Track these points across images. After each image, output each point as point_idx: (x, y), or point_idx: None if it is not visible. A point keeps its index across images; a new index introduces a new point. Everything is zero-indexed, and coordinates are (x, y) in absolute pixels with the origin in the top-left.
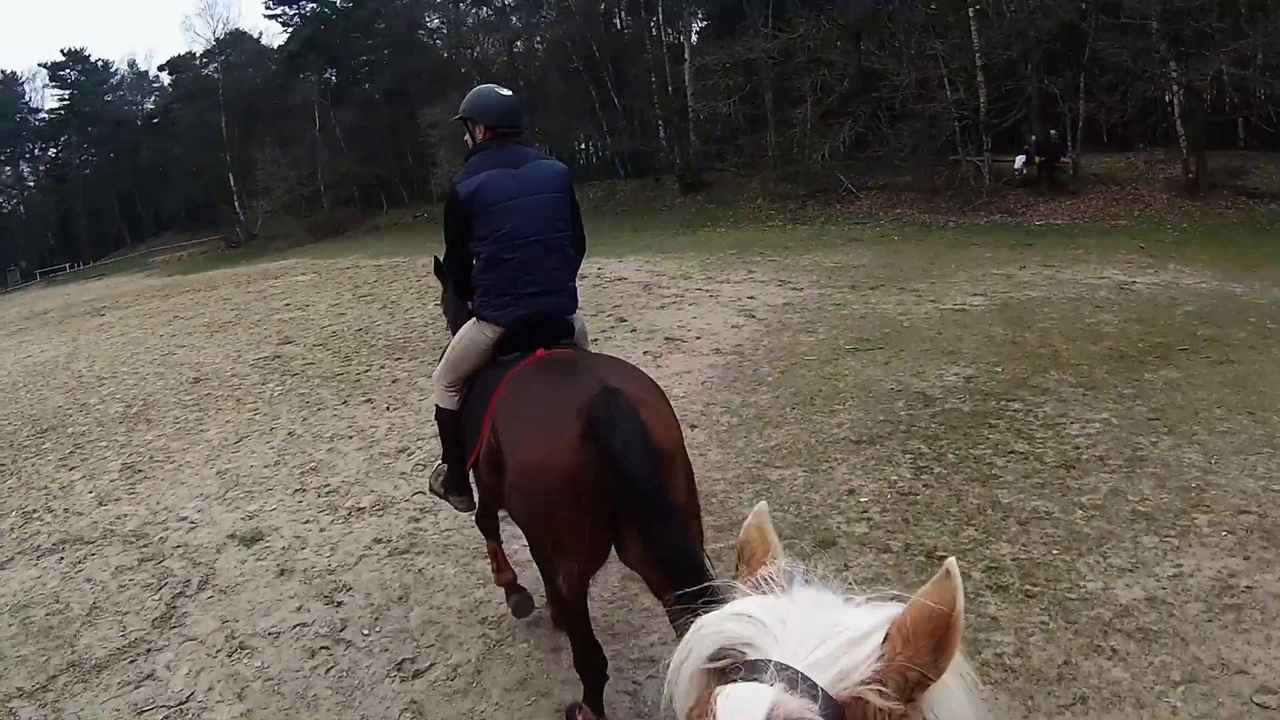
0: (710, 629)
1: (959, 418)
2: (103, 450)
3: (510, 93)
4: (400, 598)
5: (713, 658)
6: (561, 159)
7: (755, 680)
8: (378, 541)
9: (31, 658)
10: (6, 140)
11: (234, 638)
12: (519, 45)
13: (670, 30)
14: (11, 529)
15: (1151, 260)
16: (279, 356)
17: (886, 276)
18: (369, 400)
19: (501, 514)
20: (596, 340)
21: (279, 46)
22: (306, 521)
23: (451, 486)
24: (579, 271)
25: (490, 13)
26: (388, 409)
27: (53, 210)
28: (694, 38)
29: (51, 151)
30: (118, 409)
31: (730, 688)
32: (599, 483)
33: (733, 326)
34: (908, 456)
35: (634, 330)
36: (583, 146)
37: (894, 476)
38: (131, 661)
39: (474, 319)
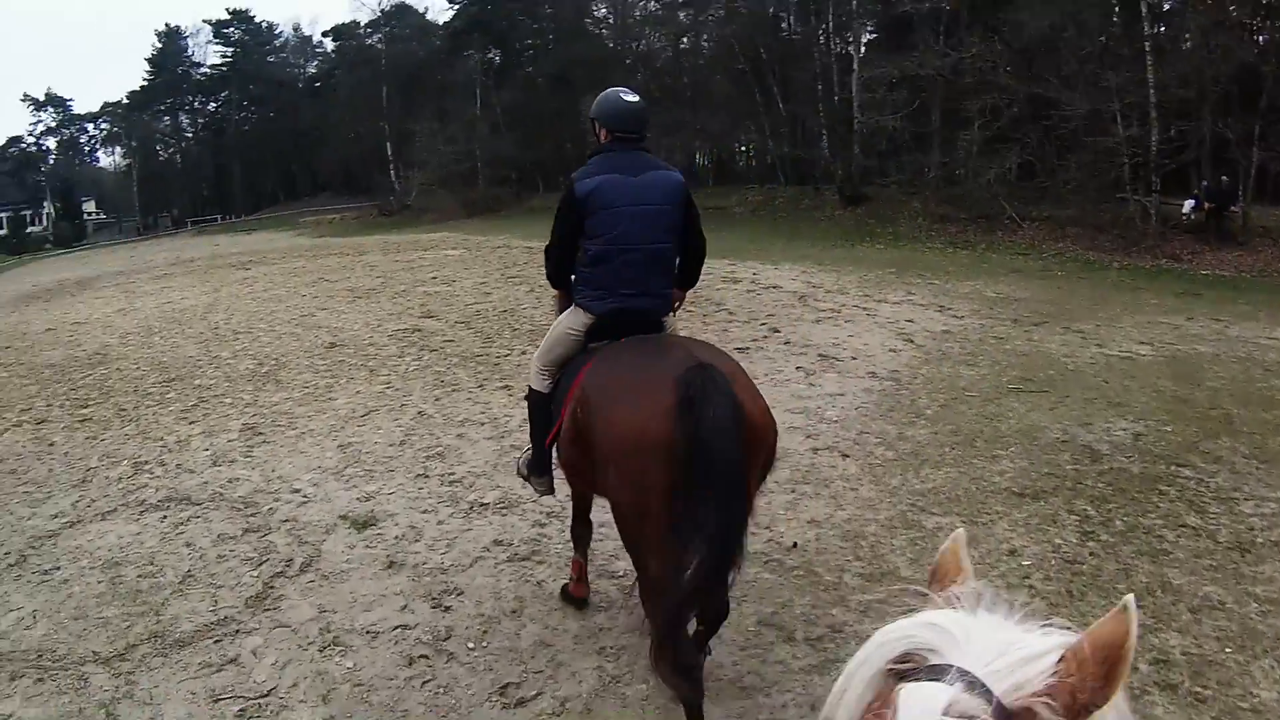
0: (899, 634)
1: (1128, 479)
2: (226, 407)
3: (637, 99)
4: (514, 611)
5: (897, 660)
6: (721, 160)
7: (936, 680)
8: (497, 544)
9: (114, 621)
10: (168, 91)
11: (329, 631)
12: (685, 41)
13: (839, 40)
14: (120, 479)
15: None
16: (419, 330)
17: (1050, 313)
18: (506, 387)
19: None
20: (748, 349)
21: (443, 23)
22: (425, 511)
23: (534, 468)
24: (703, 271)
25: (658, 6)
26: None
27: (208, 163)
28: (862, 49)
29: (211, 106)
30: (248, 365)
31: (912, 685)
32: (690, 452)
33: (890, 350)
34: (1073, 518)
35: (787, 343)
36: (743, 149)
37: (1058, 540)
38: (217, 641)
39: (573, 306)
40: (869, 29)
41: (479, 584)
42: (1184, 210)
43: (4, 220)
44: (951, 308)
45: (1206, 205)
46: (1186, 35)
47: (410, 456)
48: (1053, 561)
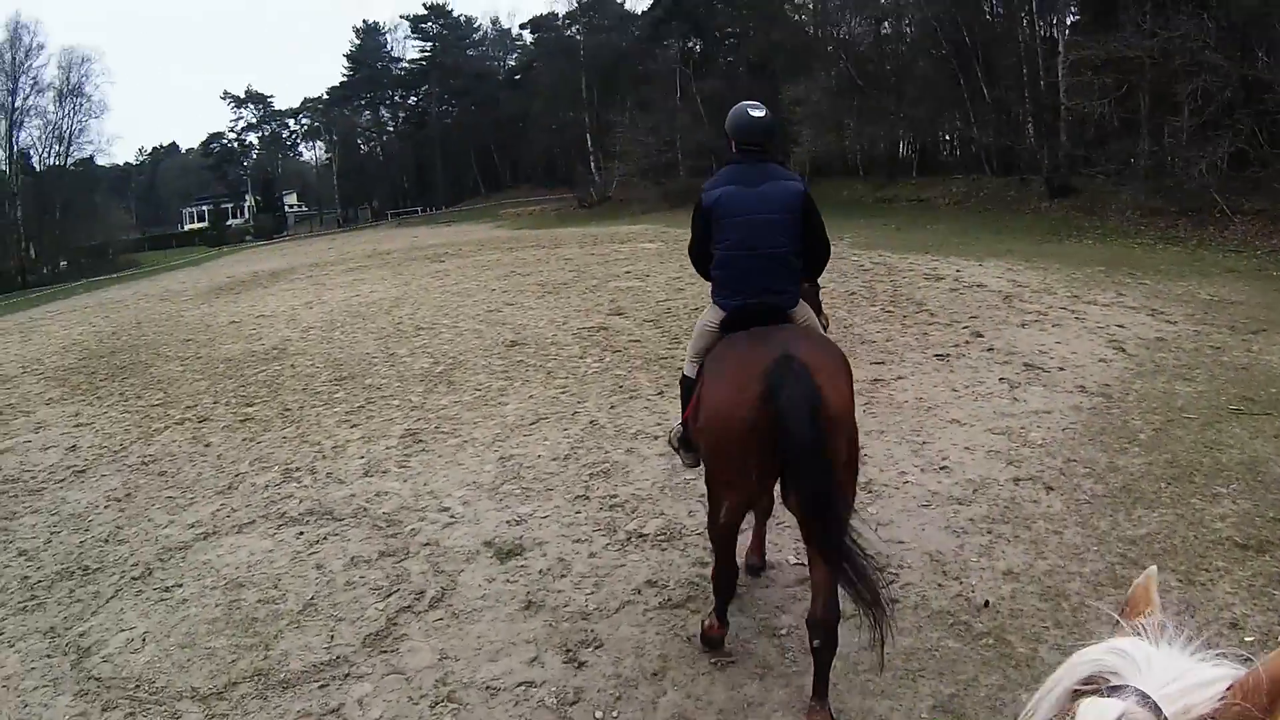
0: (1089, 658)
1: None
2: (392, 410)
3: (763, 113)
4: (655, 673)
5: (1084, 681)
6: (925, 149)
7: (1115, 698)
8: (651, 585)
9: (221, 652)
10: (368, 86)
11: (445, 683)
12: (887, 26)
13: (1042, 22)
14: (266, 486)
15: None
16: (605, 328)
17: (1268, 320)
18: None
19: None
20: (948, 356)
21: (642, 12)
22: (578, 540)
23: (683, 442)
24: (906, 267)
25: None
26: None
27: (409, 155)
28: (1067, 30)
29: (411, 100)
30: (424, 364)
31: (1093, 699)
32: (767, 435)
33: (1100, 360)
34: None
35: (991, 349)
36: (947, 138)
37: None
38: (323, 686)
39: (711, 303)
40: (1073, 9)
41: (622, 634)
42: None
43: (205, 213)
44: (1164, 311)
45: None
46: None
47: (573, 473)
48: None
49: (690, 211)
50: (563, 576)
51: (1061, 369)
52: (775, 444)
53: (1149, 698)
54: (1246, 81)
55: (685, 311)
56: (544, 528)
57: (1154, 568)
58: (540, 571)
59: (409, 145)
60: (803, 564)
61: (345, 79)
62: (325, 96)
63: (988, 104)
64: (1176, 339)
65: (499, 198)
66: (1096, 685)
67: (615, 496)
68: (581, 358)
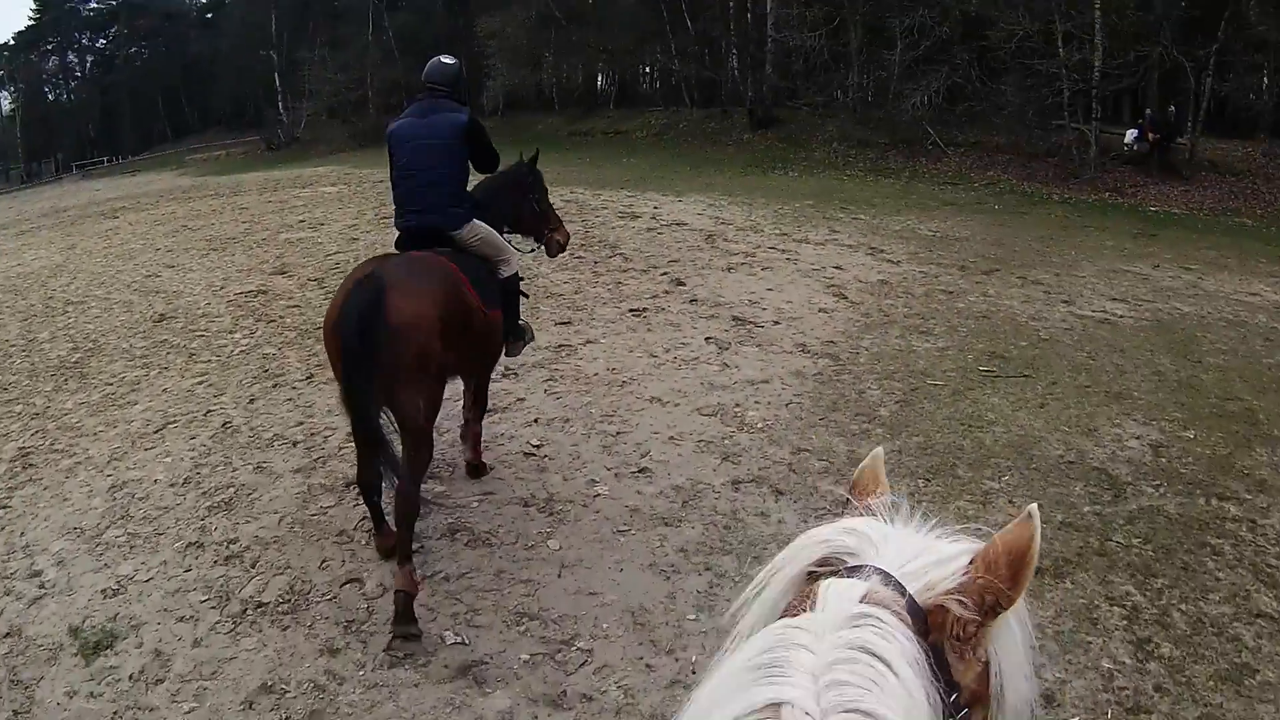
0: (820, 537)
1: (1167, 529)
2: (11, 420)
3: (453, 62)
4: None
5: (818, 562)
6: (624, 83)
7: (855, 578)
8: (266, 691)
9: None
10: (54, 29)
11: None
12: None
13: None
14: None
15: None
16: (264, 291)
17: (999, 257)
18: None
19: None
20: (644, 311)
21: None
22: (183, 619)
23: None
24: (599, 204)
25: None
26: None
27: (97, 102)
28: None
29: (100, 43)
30: (61, 352)
31: (833, 579)
32: (335, 341)
33: (820, 310)
34: (1116, 611)
35: (694, 300)
36: (648, 70)
37: (1106, 663)
38: None
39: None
40: None
41: None
42: (1126, 140)
43: None
44: (884, 249)
45: (1151, 136)
46: None
47: (190, 506)
48: (1109, 708)
49: (381, 151)
50: (159, 683)
51: (777, 323)
52: (338, 352)
53: (890, 576)
54: (967, 16)
55: (354, 265)
56: (144, 598)
57: (880, 448)
58: (132, 676)
59: (96, 92)
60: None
61: (32, 22)
62: (11, 42)
63: (690, 36)
64: (903, 282)
65: (188, 143)
66: (833, 566)
67: (235, 541)
68: (231, 332)
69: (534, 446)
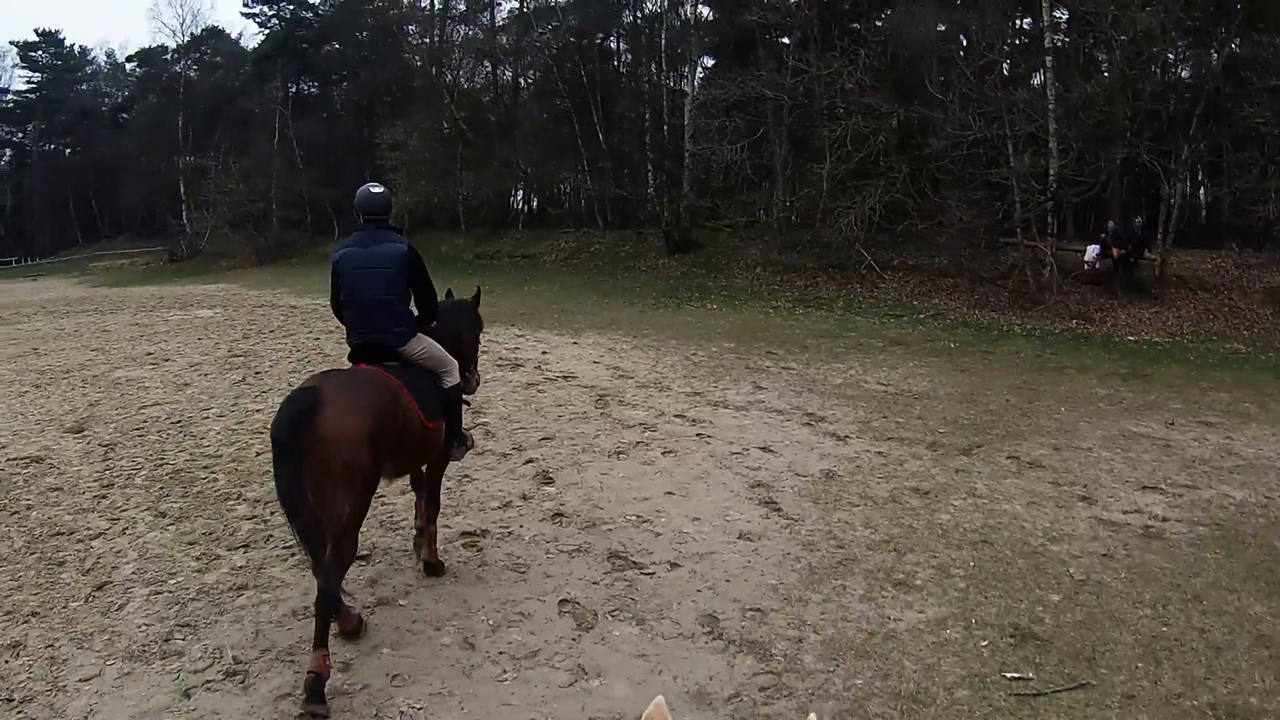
0: None
1: None
2: None
3: (381, 190)
4: None
5: None
6: (539, 202)
7: None
8: None
9: None
10: None
11: None
12: (505, 70)
13: (672, 72)
14: None
15: None
16: (39, 460)
17: (976, 423)
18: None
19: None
20: (479, 539)
21: (252, 49)
22: None
23: None
24: (484, 343)
25: (478, 30)
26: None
27: (9, 199)
28: (699, 74)
29: (18, 136)
30: None
31: None
32: (273, 446)
33: (741, 536)
34: None
35: (559, 516)
36: (565, 188)
37: None
38: None
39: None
40: (708, 52)
41: None
42: (1086, 258)
43: None
44: (825, 416)
45: (1115, 251)
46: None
47: None
48: None
49: (281, 268)
50: None
51: (674, 564)
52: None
53: None
54: (906, 123)
55: (160, 428)
56: None
57: (661, 698)
58: None
59: (8, 187)
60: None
61: None
62: None
63: (604, 151)
64: (856, 474)
65: (98, 248)
66: None
67: None
68: None
69: None
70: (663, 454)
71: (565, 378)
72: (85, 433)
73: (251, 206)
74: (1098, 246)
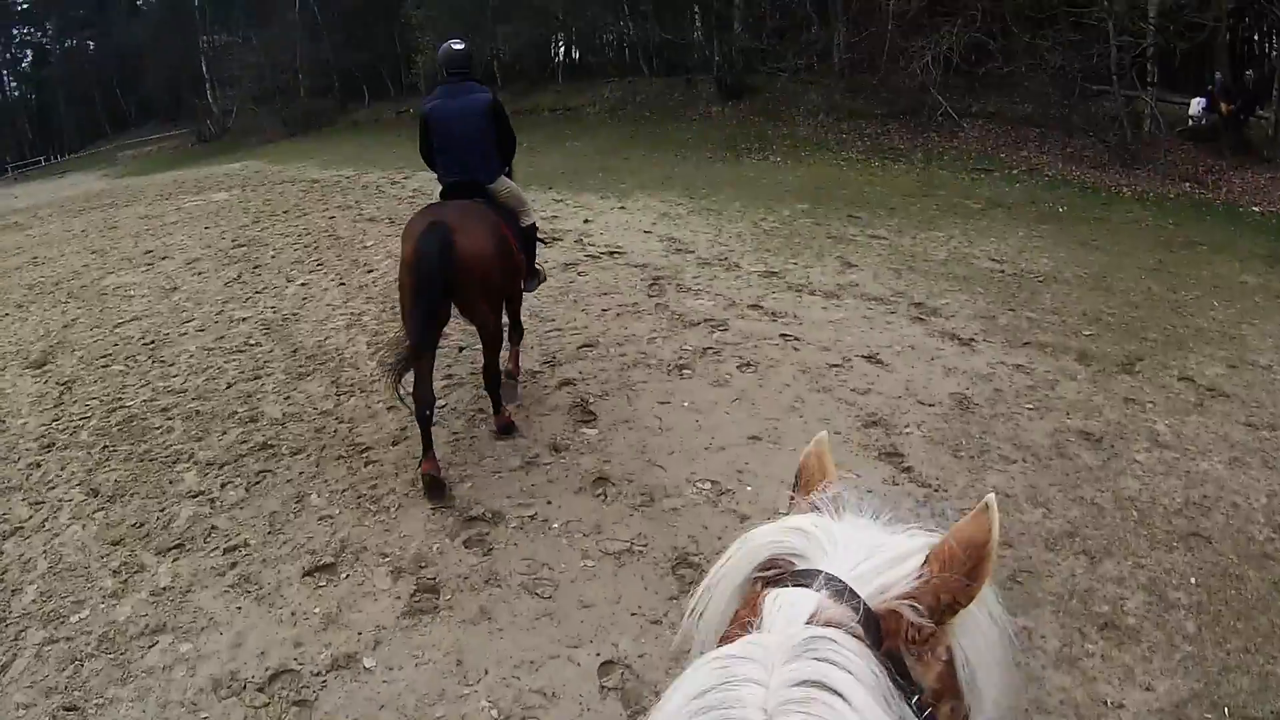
0: (763, 539)
1: None
2: None
3: (462, 46)
4: None
5: (762, 566)
6: (579, 52)
7: (803, 586)
8: None
9: None
10: None
11: None
12: None
13: None
14: None
15: None
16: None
17: (1124, 323)
18: None
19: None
20: (497, 524)
21: None
22: None
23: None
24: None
25: None
26: None
27: (33, 99)
28: None
29: (38, 36)
30: None
31: (779, 590)
32: (414, 275)
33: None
34: None
35: (599, 482)
36: (610, 38)
37: None
38: None
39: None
40: None
41: None
42: (1191, 112)
43: None
44: (938, 308)
45: (1225, 106)
46: None
47: None
48: None
49: (312, 139)
50: None
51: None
52: (413, 274)
53: (842, 584)
54: None
55: (138, 348)
56: None
57: (824, 433)
58: None
59: (31, 88)
60: None
61: None
62: None
63: None
64: (998, 404)
65: (125, 137)
66: (780, 569)
67: None
68: None
69: None
70: (739, 368)
71: (611, 254)
72: (47, 366)
73: (277, 79)
74: (1204, 100)
